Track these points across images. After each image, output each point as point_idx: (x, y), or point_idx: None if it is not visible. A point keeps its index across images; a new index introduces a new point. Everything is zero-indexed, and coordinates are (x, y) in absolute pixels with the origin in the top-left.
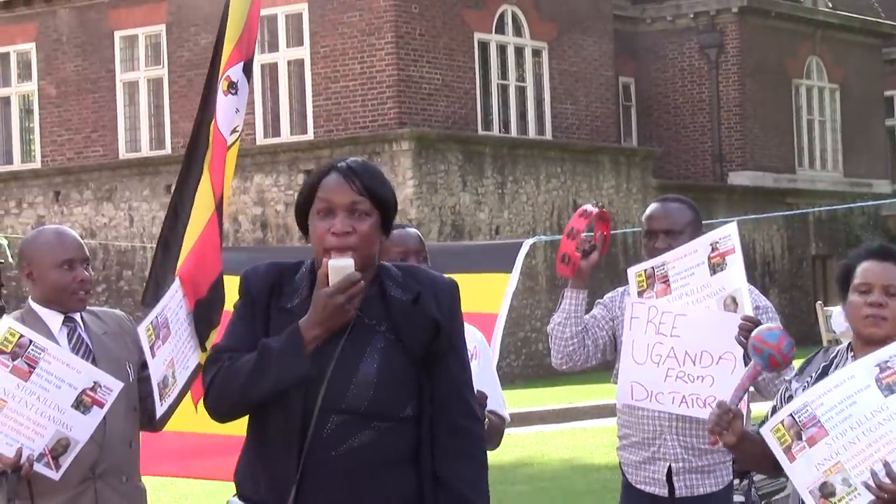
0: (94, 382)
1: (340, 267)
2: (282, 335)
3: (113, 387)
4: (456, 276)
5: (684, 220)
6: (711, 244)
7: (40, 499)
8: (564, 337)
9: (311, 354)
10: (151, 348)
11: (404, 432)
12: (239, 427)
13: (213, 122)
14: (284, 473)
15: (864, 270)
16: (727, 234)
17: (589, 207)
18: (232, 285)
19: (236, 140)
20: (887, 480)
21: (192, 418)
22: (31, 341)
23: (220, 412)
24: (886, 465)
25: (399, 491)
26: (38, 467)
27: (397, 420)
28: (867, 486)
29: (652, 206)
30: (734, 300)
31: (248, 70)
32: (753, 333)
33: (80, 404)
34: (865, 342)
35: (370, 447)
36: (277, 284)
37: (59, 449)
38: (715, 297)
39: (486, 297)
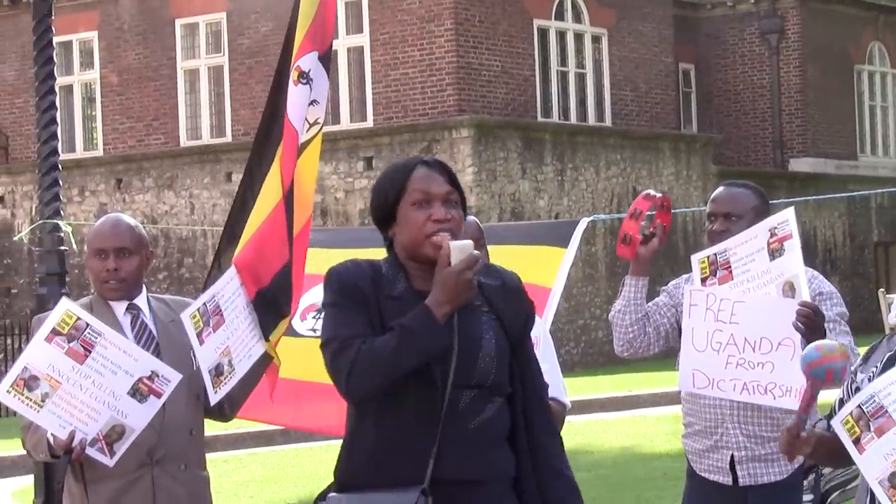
0: (152, 372)
1: (463, 246)
2: (412, 314)
3: (171, 378)
4: (512, 248)
5: (747, 206)
6: (770, 230)
7: (95, 483)
8: (625, 324)
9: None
10: (199, 335)
11: (508, 408)
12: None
13: (284, 113)
14: (422, 447)
15: None
16: (785, 219)
17: (653, 192)
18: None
19: (318, 132)
20: None
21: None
22: (87, 324)
23: (362, 392)
24: None
25: (509, 464)
26: (92, 452)
27: (505, 395)
28: None
29: (718, 189)
30: (792, 286)
31: (326, 61)
32: (803, 361)
33: (137, 392)
34: None
35: (496, 420)
36: (374, 277)
37: (113, 435)
38: (774, 283)
39: (542, 269)
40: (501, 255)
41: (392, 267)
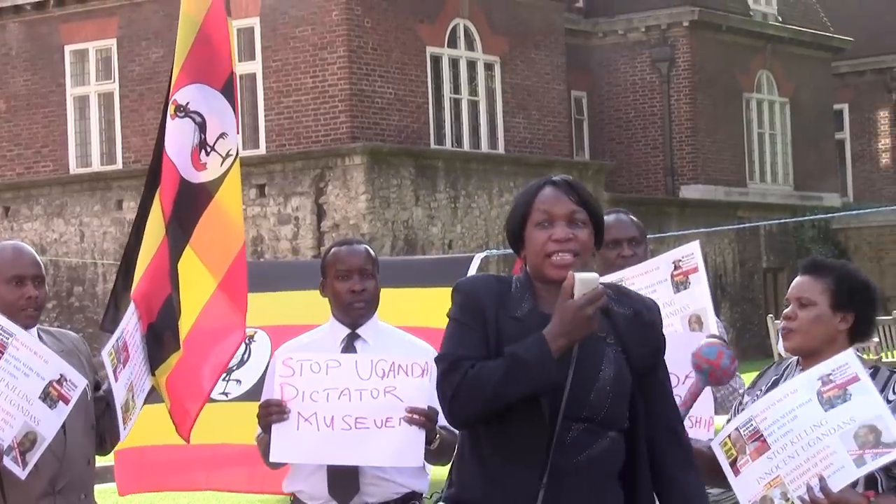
0: (61, 375)
1: (588, 279)
2: (526, 343)
3: (78, 382)
4: (406, 291)
5: (643, 232)
6: (674, 262)
7: None
8: None
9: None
10: (114, 371)
11: (622, 443)
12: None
13: (162, 148)
14: (529, 479)
15: (791, 285)
16: (690, 252)
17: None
18: (255, 302)
19: (234, 163)
20: (821, 496)
21: (171, 432)
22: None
23: (466, 417)
24: (822, 479)
25: (619, 500)
26: (7, 461)
27: (620, 430)
28: (803, 501)
29: (609, 217)
30: (699, 319)
31: (228, 93)
32: (693, 350)
33: (48, 397)
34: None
35: (604, 456)
36: (500, 295)
37: (26, 444)
38: (679, 315)
39: (438, 311)
40: (397, 299)
41: (522, 286)
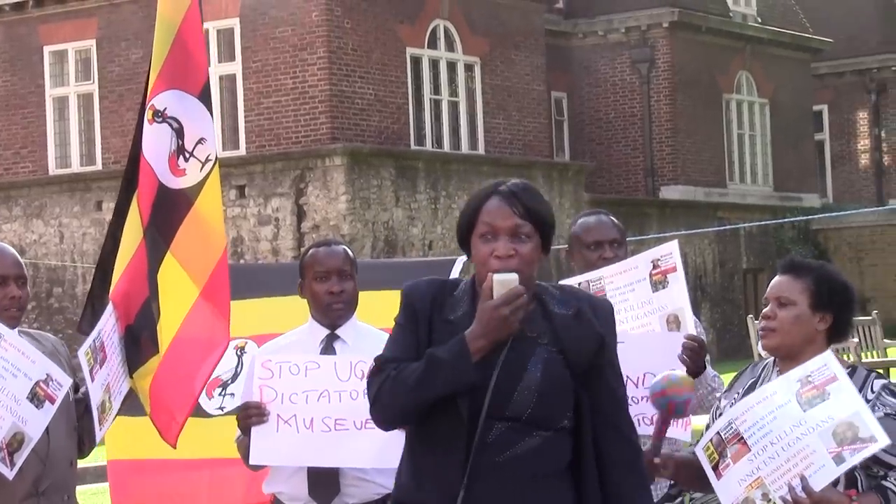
0: (47, 374)
1: (505, 280)
2: (448, 345)
3: (63, 382)
4: (387, 293)
5: (623, 233)
6: (653, 261)
7: None
8: None
9: (477, 363)
10: (91, 372)
11: (562, 443)
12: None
13: (140, 152)
14: (452, 478)
15: (770, 285)
16: (669, 251)
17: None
18: (243, 310)
19: (213, 168)
20: (803, 495)
21: (161, 445)
22: None
23: (389, 419)
24: (803, 479)
25: (559, 500)
26: None
27: (556, 430)
28: (784, 501)
29: (590, 218)
30: (677, 318)
31: (205, 98)
32: (651, 387)
33: (35, 397)
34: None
35: (532, 455)
36: (439, 297)
37: (14, 444)
38: (657, 314)
39: None
40: (379, 301)
41: (465, 289)
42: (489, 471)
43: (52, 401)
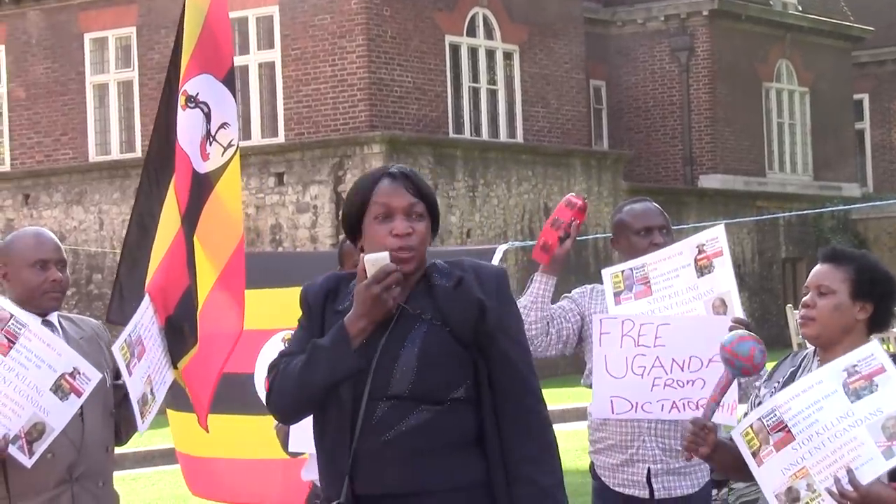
0: (74, 368)
1: (375, 259)
2: (329, 332)
3: (91, 376)
4: None
5: (668, 220)
6: (698, 246)
7: (18, 500)
8: (529, 320)
9: (359, 347)
10: (128, 366)
11: (461, 414)
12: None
13: (175, 139)
14: (341, 462)
15: (811, 273)
16: (714, 236)
17: (573, 199)
18: (256, 299)
19: (234, 154)
20: (849, 488)
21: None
22: (11, 315)
23: (282, 412)
24: (850, 471)
25: (464, 473)
26: (13, 450)
27: (448, 402)
28: (830, 493)
29: (636, 206)
30: (723, 302)
31: (229, 83)
32: (724, 344)
33: (59, 389)
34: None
35: (422, 430)
36: (333, 291)
37: (34, 433)
38: (702, 300)
39: None
40: None
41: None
42: (377, 451)
43: (79, 394)
